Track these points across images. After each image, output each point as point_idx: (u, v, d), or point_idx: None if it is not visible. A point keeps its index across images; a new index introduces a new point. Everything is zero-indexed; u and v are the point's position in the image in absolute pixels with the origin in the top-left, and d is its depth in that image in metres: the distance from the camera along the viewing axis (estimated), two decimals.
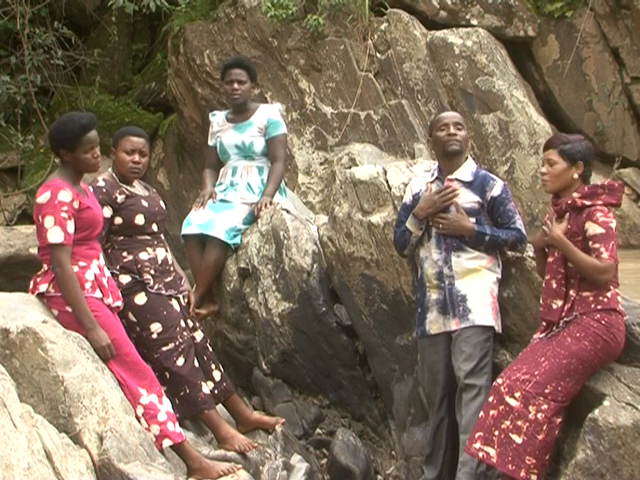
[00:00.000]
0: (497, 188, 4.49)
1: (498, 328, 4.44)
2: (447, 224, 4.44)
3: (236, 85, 5.69)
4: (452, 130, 4.50)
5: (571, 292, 4.03)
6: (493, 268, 4.48)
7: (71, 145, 4.11)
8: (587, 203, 4.01)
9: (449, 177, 4.53)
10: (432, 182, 4.60)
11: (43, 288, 4.13)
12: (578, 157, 4.10)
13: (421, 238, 4.56)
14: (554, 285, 4.07)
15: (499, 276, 4.50)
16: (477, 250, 4.44)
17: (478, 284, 4.42)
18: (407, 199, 4.68)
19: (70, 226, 4.04)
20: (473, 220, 4.44)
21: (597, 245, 3.92)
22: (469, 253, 4.44)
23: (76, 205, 4.07)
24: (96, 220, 4.20)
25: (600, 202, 4.00)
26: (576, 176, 4.10)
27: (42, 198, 4.05)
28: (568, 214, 4.08)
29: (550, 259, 4.11)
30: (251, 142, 5.71)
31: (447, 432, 4.51)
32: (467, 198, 4.48)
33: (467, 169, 4.55)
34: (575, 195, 4.05)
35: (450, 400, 4.50)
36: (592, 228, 3.95)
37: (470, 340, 4.36)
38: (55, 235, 4.01)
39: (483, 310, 4.39)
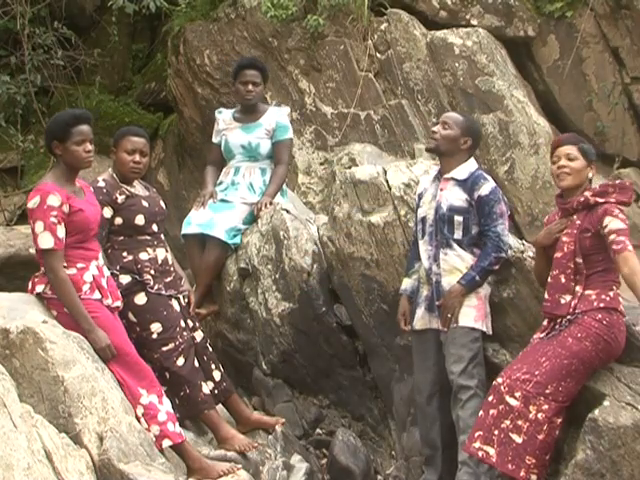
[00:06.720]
0: (486, 188, 4.48)
1: (486, 330, 4.44)
2: (448, 308, 4.40)
3: (251, 87, 5.69)
4: (433, 128, 4.68)
5: (577, 288, 4.04)
6: None
7: (62, 135, 4.10)
8: (600, 200, 4.03)
9: (445, 176, 4.58)
10: (432, 182, 4.67)
11: (40, 289, 4.13)
12: (593, 158, 4.20)
13: (418, 233, 4.63)
14: (563, 280, 4.07)
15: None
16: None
17: None
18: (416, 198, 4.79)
19: (60, 231, 4.02)
20: (460, 219, 4.44)
21: (622, 238, 3.93)
22: (455, 250, 4.46)
23: (66, 209, 4.04)
24: (89, 222, 4.16)
25: (613, 200, 4.03)
26: (590, 175, 4.15)
27: (32, 203, 4.05)
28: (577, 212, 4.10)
29: (559, 254, 4.11)
30: (257, 143, 5.70)
31: (441, 434, 4.51)
32: (457, 195, 4.51)
33: (465, 169, 4.57)
34: (587, 193, 4.08)
35: (440, 401, 4.50)
36: (614, 222, 3.97)
37: (457, 341, 4.39)
38: (45, 240, 4.00)
39: (466, 311, 4.40)
